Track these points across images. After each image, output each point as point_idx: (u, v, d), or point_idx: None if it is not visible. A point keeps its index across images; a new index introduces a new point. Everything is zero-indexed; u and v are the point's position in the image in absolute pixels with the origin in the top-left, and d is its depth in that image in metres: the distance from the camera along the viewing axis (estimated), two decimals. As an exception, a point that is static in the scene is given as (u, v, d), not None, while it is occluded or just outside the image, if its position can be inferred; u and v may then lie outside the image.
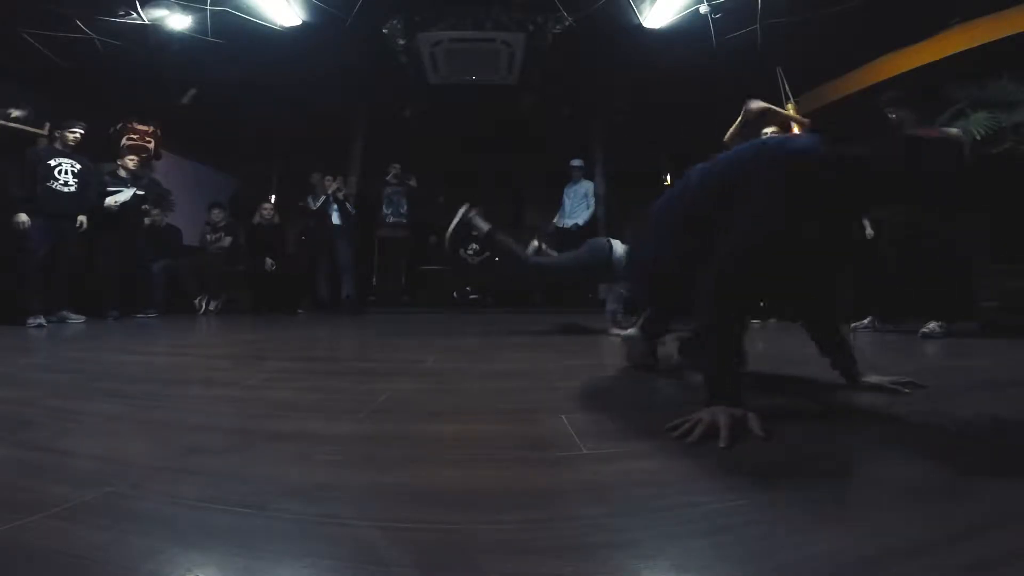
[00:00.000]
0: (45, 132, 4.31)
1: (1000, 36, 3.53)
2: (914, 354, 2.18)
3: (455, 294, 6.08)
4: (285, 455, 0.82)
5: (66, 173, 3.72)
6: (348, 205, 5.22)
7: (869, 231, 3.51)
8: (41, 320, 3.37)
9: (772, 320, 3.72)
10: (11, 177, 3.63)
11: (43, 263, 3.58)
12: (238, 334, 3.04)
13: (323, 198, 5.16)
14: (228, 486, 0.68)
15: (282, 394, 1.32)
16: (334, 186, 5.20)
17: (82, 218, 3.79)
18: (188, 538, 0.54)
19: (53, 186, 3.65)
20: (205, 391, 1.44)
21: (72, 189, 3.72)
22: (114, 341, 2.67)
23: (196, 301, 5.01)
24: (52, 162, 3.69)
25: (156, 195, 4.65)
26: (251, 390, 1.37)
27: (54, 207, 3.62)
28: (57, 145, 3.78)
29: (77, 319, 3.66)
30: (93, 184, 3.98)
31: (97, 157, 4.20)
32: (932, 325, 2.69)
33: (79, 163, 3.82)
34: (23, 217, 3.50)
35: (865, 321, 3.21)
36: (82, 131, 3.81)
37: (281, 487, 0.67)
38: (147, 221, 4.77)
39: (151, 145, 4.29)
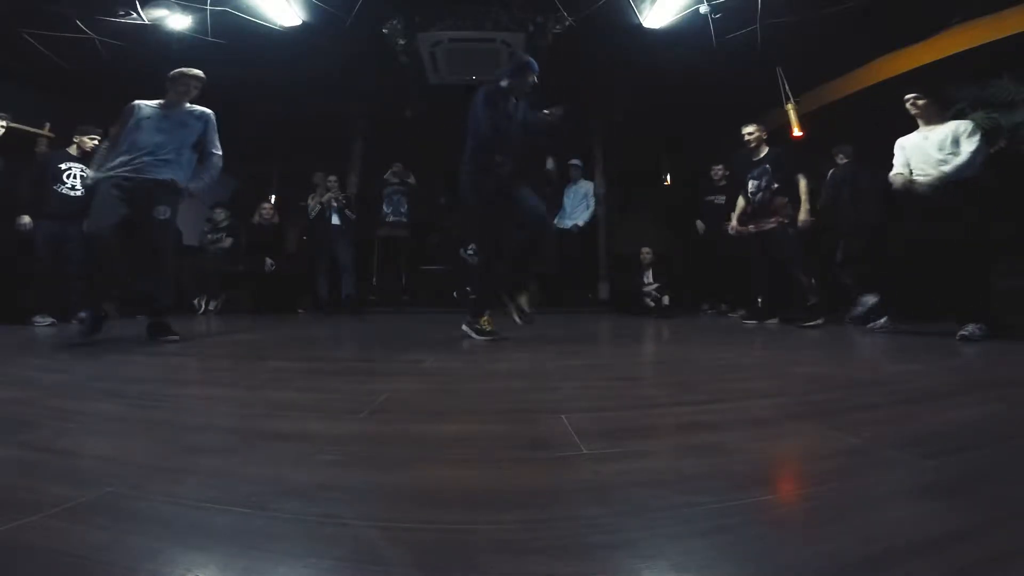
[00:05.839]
0: (46, 132, 4.32)
1: (1000, 36, 3.52)
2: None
3: (455, 294, 6.07)
4: (285, 455, 0.82)
5: (74, 177, 3.66)
6: (347, 212, 5.19)
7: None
8: (50, 320, 3.41)
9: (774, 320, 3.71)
10: (22, 178, 3.63)
11: (50, 266, 3.54)
12: (238, 334, 3.03)
13: (316, 207, 5.15)
14: (228, 486, 0.68)
15: (282, 394, 1.31)
16: (328, 196, 5.16)
17: None
18: (188, 538, 0.54)
19: (60, 190, 3.61)
20: (205, 391, 1.44)
21: (79, 194, 3.61)
22: (114, 341, 2.67)
23: (196, 301, 5.01)
24: (63, 166, 3.66)
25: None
26: (251, 390, 1.37)
27: (60, 210, 3.56)
28: (72, 150, 3.72)
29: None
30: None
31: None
32: (971, 327, 2.47)
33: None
34: (26, 219, 3.54)
35: (881, 320, 3.05)
36: (100, 138, 3.71)
37: (281, 487, 0.67)
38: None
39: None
